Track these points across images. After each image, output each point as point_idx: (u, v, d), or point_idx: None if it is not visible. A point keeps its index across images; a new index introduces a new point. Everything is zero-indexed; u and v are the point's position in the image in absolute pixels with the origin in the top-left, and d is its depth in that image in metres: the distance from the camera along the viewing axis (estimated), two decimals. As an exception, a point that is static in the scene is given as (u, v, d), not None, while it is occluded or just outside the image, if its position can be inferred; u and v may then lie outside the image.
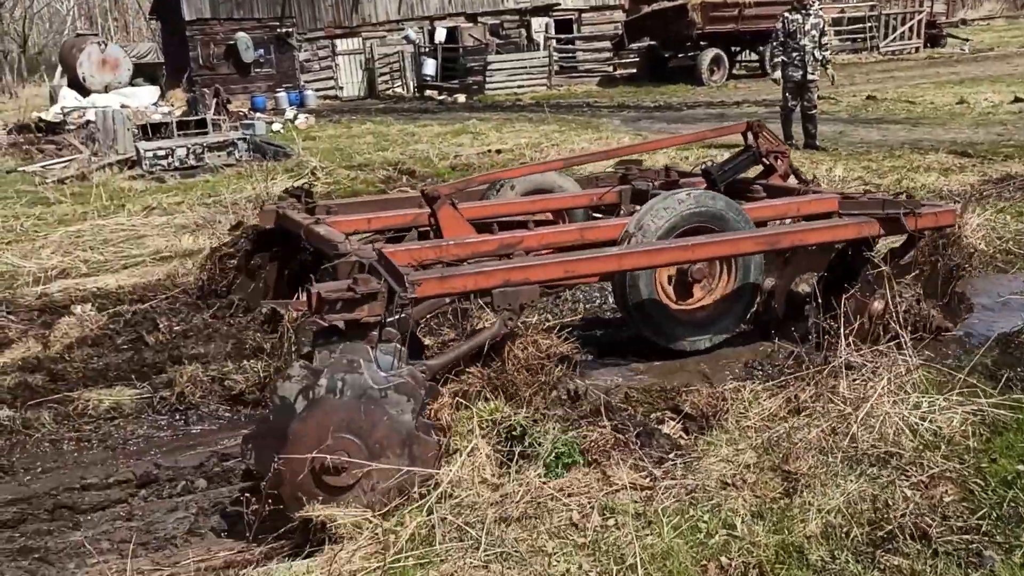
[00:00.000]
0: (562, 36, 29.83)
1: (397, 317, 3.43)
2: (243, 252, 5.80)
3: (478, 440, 3.47)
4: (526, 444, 3.47)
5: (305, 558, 3.07)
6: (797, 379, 4.08)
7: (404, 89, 28.63)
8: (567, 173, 6.61)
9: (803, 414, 3.84)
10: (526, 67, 27.27)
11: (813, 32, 11.34)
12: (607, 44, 28.85)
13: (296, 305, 3.97)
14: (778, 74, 11.56)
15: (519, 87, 26.39)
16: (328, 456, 3.17)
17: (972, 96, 17.91)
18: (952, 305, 5.00)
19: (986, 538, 3.03)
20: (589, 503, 3.21)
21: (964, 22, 42.27)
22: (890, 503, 3.19)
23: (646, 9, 25.95)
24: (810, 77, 11.45)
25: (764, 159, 6.22)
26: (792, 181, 6.24)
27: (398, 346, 3.41)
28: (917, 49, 31.52)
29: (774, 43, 11.64)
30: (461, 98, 25.11)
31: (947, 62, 26.91)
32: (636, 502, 3.24)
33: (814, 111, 11.87)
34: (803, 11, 11.35)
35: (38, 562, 3.25)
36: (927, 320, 4.84)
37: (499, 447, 3.50)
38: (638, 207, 5.84)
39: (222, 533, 3.44)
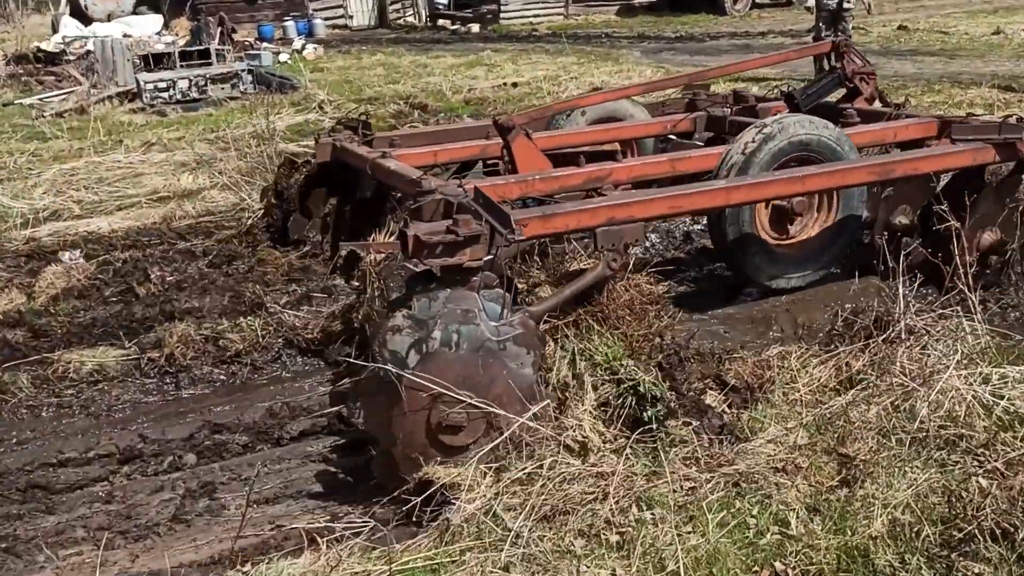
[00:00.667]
0: (580, -37, 28.72)
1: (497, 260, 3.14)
2: (298, 188, 5.43)
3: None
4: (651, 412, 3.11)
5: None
6: (851, 346, 3.66)
7: (416, 18, 27.71)
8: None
9: (859, 387, 3.43)
10: (543, -5, 26.33)
11: None
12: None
13: (378, 247, 3.72)
14: (811, 1, 10.86)
15: (535, 16, 25.46)
16: (448, 412, 2.97)
17: (1008, 26, 17.11)
18: None
19: (1078, 541, 2.64)
20: (626, 494, 2.83)
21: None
22: (964, 496, 2.80)
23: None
24: (846, 5, 10.77)
25: (849, 81, 5.84)
26: (877, 104, 5.85)
27: (503, 292, 3.12)
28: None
29: None
30: (475, 28, 24.26)
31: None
32: (678, 492, 2.86)
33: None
34: None
35: (3, 553, 2.91)
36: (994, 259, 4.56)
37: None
38: (711, 133, 5.62)
39: (208, 521, 3.09)
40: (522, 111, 5.21)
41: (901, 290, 3.74)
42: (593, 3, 27.40)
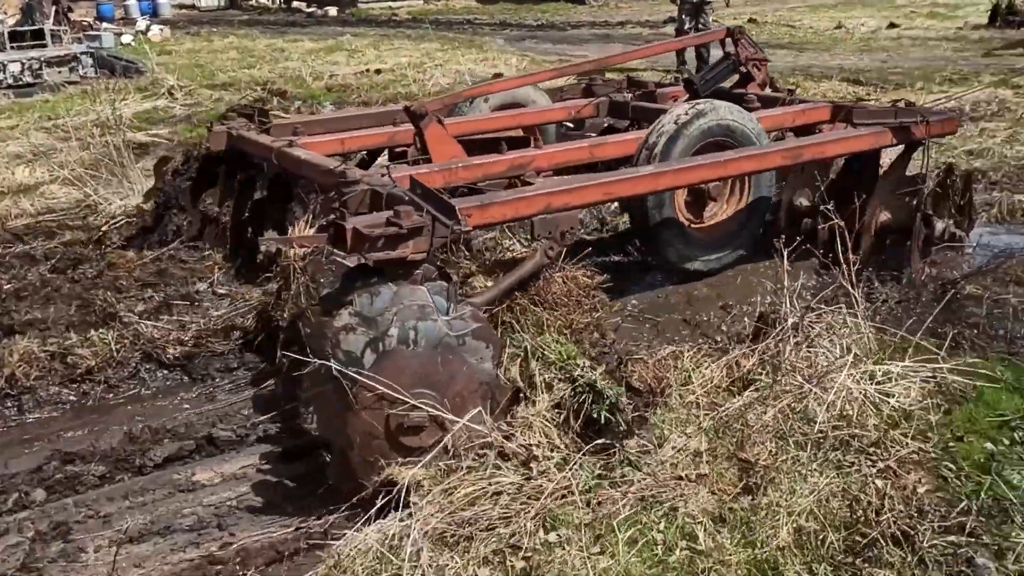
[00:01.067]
0: (438, -53, 28.39)
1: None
2: (191, 178, 5.14)
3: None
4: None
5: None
6: (741, 345, 3.64)
7: None
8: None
9: (753, 388, 3.41)
10: (401, -21, 25.88)
11: None
12: (485, -43, 27.61)
13: (302, 241, 3.53)
14: None
15: (395, 1, 25.03)
16: (408, 414, 2.85)
17: (848, 20, 18.01)
18: (964, 214, 4.94)
19: (973, 539, 2.68)
20: (536, 514, 2.67)
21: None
22: (863, 498, 2.81)
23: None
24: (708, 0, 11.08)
25: (743, 67, 5.96)
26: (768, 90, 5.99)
27: (447, 285, 3.01)
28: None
29: None
30: (332, 11, 23.61)
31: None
32: (583, 509, 2.73)
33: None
34: None
35: None
36: (941, 232, 4.82)
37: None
38: (613, 120, 5.81)
39: (64, 569, 2.74)
40: (433, 98, 5.16)
41: (786, 285, 3.74)
42: (453, -11, 27.15)
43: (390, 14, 22.73)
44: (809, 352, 3.52)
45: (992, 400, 3.44)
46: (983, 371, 3.58)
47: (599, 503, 2.75)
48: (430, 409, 2.89)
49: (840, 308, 3.73)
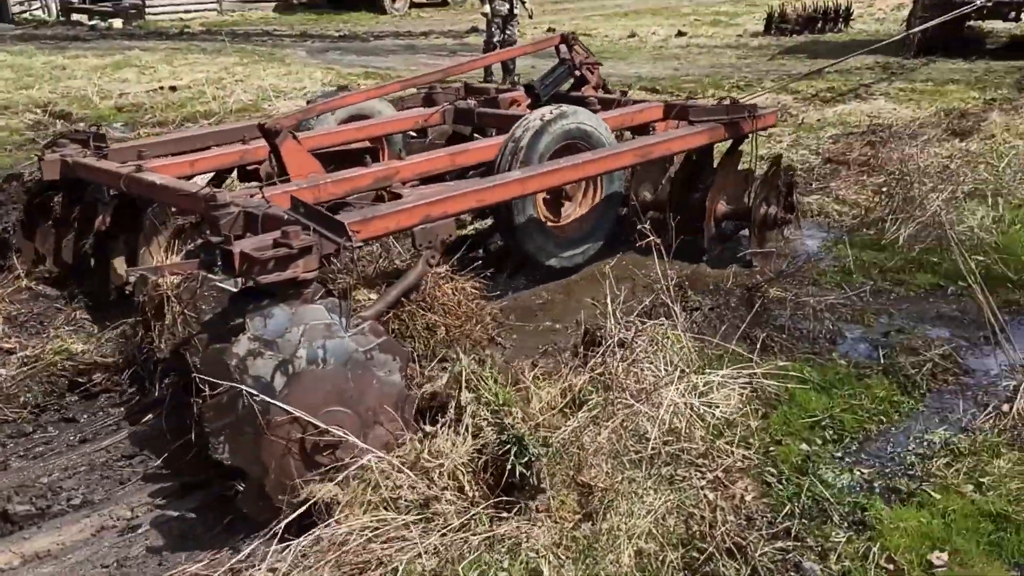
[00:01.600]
0: (229, -44, 27.34)
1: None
2: (22, 212, 4.85)
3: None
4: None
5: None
6: (571, 362, 3.68)
7: (45, 12, 24.79)
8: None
9: (586, 408, 3.44)
10: (192, -11, 24.74)
11: None
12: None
13: (174, 268, 3.56)
14: (487, 7, 11.17)
15: (186, 12, 23.89)
16: (320, 434, 2.84)
17: (641, 29, 18.83)
18: (790, 201, 5.41)
19: (798, 543, 2.82)
20: (373, 558, 2.56)
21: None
22: (696, 513, 2.89)
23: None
24: (515, 11, 11.27)
25: (578, 71, 6.26)
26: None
27: (339, 301, 3.03)
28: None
29: None
30: (117, 24, 22.19)
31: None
32: (427, 550, 2.64)
33: (514, 45, 11.68)
34: None
35: None
36: (773, 217, 5.26)
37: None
38: (458, 126, 6.04)
39: None
40: (286, 115, 5.01)
41: (610, 304, 3.81)
42: (249, -1, 26.28)
43: (182, 26, 21.63)
44: (636, 368, 3.61)
45: (803, 401, 3.65)
46: (793, 373, 3.80)
47: (446, 548, 2.68)
48: (343, 429, 2.88)
49: (661, 321, 3.85)
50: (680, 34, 17.80)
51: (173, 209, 4.48)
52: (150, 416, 3.68)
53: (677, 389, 3.39)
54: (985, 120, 8.12)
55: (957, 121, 8.17)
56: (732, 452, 3.22)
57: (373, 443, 2.94)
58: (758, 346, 4.01)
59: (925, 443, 3.35)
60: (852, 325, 4.37)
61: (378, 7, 23.97)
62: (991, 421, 3.42)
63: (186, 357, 3.36)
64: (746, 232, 5.38)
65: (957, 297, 4.61)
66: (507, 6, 11.21)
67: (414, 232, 3.64)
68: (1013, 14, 12.69)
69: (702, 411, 3.38)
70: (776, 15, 16.39)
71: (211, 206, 3.51)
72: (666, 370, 3.55)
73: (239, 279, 3.07)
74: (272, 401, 2.76)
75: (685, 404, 3.35)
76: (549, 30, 18.86)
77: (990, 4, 11.83)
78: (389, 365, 3.03)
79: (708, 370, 3.63)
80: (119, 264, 4.65)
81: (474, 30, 19.06)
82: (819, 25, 16.17)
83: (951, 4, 11.35)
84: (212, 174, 5.11)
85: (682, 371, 3.53)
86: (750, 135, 5.22)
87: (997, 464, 3.15)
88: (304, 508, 2.76)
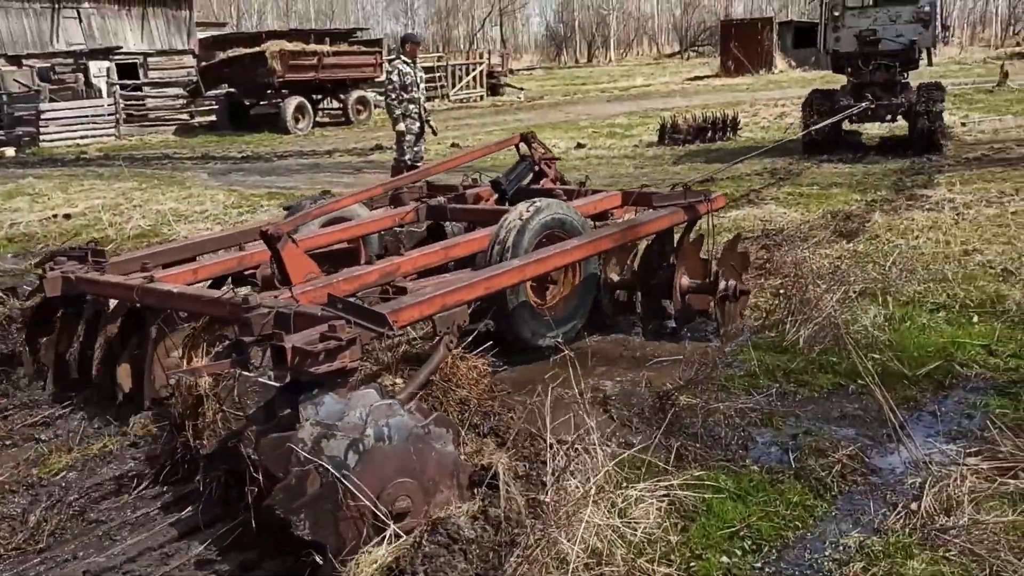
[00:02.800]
0: (128, 82, 27.35)
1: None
2: (25, 328, 5.20)
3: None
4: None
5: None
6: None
7: (-68, 141, 24.18)
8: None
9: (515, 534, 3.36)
10: (88, 116, 24.54)
11: (422, 85, 11.35)
12: (181, 91, 27.02)
13: (210, 369, 3.88)
14: (402, 126, 11.28)
15: (83, 138, 23.63)
16: (390, 503, 3.17)
17: (544, 141, 19.38)
18: (743, 275, 5.98)
19: (728, 662, 2.77)
20: None
21: (512, 72, 46.65)
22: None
23: (222, 55, 24.74)
24: (426, 129, 11.48)
25: (538, 166, 6.84)
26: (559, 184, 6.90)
27: (380, 385, 3.39)
28: (481, 97, 33.96)
29: (391, 96, 11.29)
30: (9, 152, 21.78)
31: (509, 110, 29.27)
32: None
33: (420, 161, 11.83)
34: (413, 63, 11.26)
35: None
36: (734, 288, 5.73)
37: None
38: (430, 221, 6.54)
39: None
40: (284, 221, 5.34)
41: (548, 421, 3.76)
42: (147, 123, 26.21)
43: (78, 152, 21.34)
44: (560, 487, 3.56)
45: (720, 511, 3.65)
46: (708, 483, 3.82)
47: None
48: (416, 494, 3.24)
49: (582, 436, 3.83)
50: (579, 146, 18.41)
51: (183, 315, 4.69)
52: (189, 508, 3.83)
53: (597, 509, 3.36)
54: (869, 221, 8.57)
55: (843, 223, 8.59)
56: (654, 571, 3.19)
57: (436, 508, 3.29)
58: (672, 456, 4.03)
59: (841, 547, 3.37)
60: (762, 429, 4.43)
61: (281, 127, 24.18)
62: (901, 520, 3.48)
63: (233, 449, 3.61)
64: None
65: (858, 396, 4.75)
66: (418, 124, 11.40)
67: (434, 319, 3.95)
68: (889, 116, 13.94)
69: (623, 530, 3.35)
70: (668, 126, 17.15)
71: (243, 308, 3.88)
72: (585, 489, 3.52)
73: (271, 374, 3.49)
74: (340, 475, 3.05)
75: (605, 524, 3.32)
76: (453, 145, 19.31)
77: (872, 107, 13.38)
78: (444, 437, 3.37)
79: (627, 484, 3.62)
80: (124, 371, 4.85)
81: (378, 147, 19.36)
82: (709, 134, 16.96)
83: (839, 108, 13.13)
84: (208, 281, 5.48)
85: (600, 488, 3.50)
86: (704, 216, 5.82)
87: (911, 565, 3.19)
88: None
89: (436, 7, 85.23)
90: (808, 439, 4.26)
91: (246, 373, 3.71)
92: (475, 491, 3.43)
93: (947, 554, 3.22)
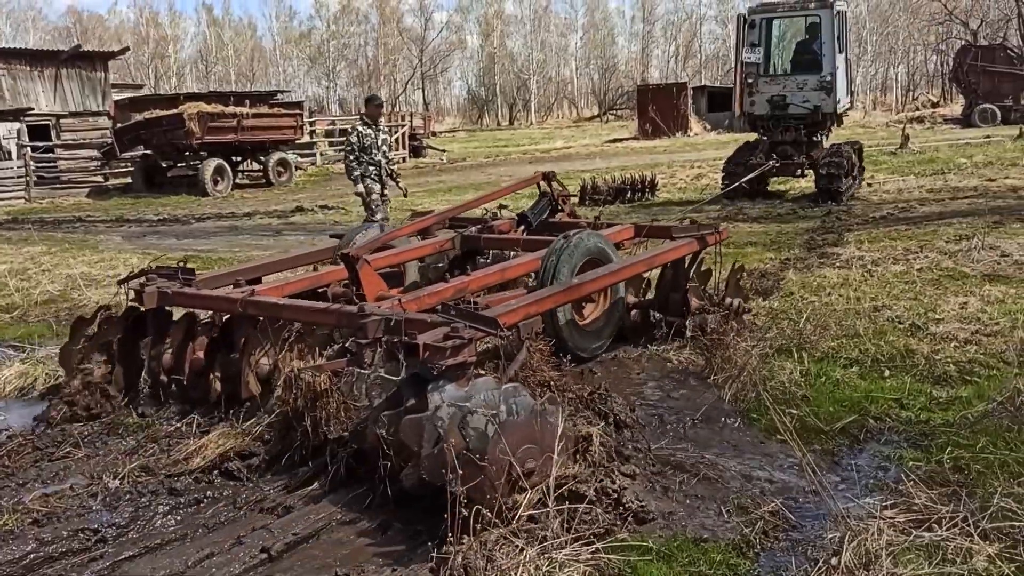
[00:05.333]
0: (39, 144, 26.67)
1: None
2: (117, 341, 5.83)
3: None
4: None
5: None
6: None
7: None
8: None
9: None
10: (-4, 178, 23.77)
11: (384, 148, 11.29)
12: (95, 153, 26.45)
13: (329, 366, 4.73)
14: (361, 188, 11.14)
15: (-10, 200, 22.84)
16: (522, 464, 3.82)
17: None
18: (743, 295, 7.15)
19: None
20: None
21: (434, 134, 47.09)
22: None
23: (138, 117, 24.33)
24: (385, 192, 11.32)
25: (555, 201, 8.06)
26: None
27: (494, 375, 4.18)
28: (404, 159, 34.03)
29: (350, 158, 11.18)
30: (-89, 215, 20.89)
31: (432, 171, 29.41)
32: None
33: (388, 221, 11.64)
34: (375, 126, 11.19)
35: None
36: (737, 307, 6.79)
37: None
38: (466, 248, 7.58)
39: None
40: (361, 246, 6.41)
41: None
42: (59, 185, 25.55)
43: (-15, 215, 20.63)
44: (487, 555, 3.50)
45: (645, 573, 3.62)
46: (633, 543, 3.79)
47: None
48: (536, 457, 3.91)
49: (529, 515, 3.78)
50: (502, 207, 18.55)
51: (278, 324, 5.52)
52: (315, 485, 4.50)
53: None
54: (783, 279, 8.80)
55: (759, 280, 8.80)
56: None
57: (554, 469, 3.92)
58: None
59: (766, 607, 3.38)
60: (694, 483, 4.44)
61: (200, 190, 23.78)
62: (823, 576, 3.50)
63: (364, 433, 4.31)
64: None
65: (778, 453, 4.81)
66: (378, 186, 11.26)
67: (519, 326, 4.67)
68: (799, 171, 15.77)
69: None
70: (589, 187, 17.43)
71: (359, 316, 4.72)
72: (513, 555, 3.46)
73: (382, 371, 4.40)
74: (482, 444, 3.73)
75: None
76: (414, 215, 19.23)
77: (779, 165, 15.42)
78: (555, 414, 4.07)
79: (554, 549, 3.57)
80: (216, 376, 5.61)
81: (299, 209, 19.19)
82: (628, 195, 17.29)
83: (751, 164, 15.34)
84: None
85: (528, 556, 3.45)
86: (713, 246, 6.91)
87: (835, 623, 3.20)
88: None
89: (358, 70, 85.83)
90: (732, 496, 4.28)
91: (362, 370, 4.52)
92: (577, 455, 4.18)
93: (868, 609, 3.24)
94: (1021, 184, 15.26)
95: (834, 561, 3.58)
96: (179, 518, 4.33)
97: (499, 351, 4.53)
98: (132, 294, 5.87)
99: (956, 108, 41.20)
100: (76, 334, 5.78)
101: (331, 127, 36.36)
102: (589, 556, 3.60)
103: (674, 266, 6.75)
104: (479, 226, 7.71)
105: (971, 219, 11.80)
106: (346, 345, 5.16)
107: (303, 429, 4.60)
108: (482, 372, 4.30)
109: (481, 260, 7.63)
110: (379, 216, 11.16)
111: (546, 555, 3.51)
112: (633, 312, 6.86)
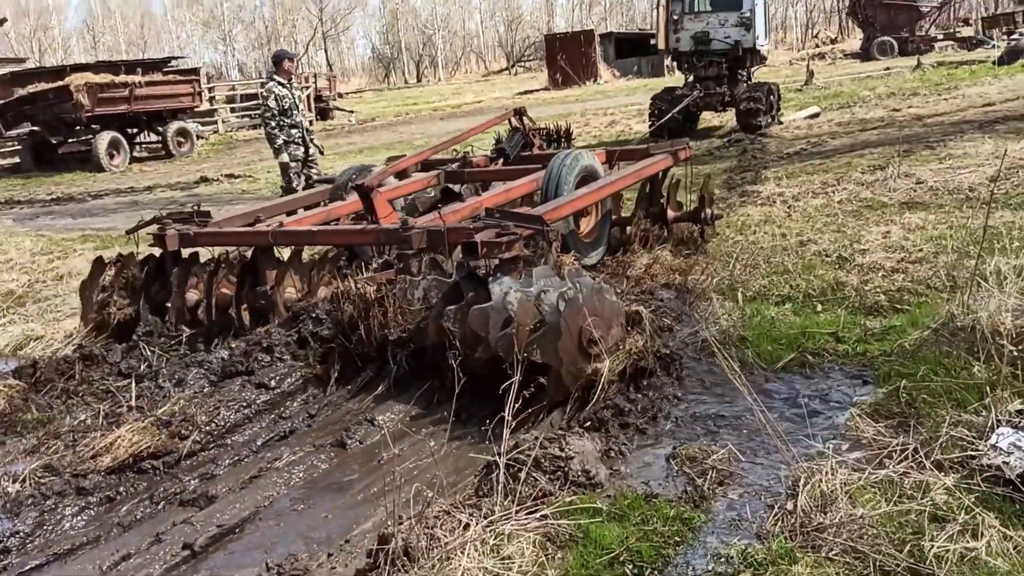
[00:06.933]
0: (-86, 125, 24.91)
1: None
2: (143, 281, 6.17)
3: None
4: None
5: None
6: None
7: None
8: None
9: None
10: None
11: (302, 106, 10.51)
12: (-23, 132, 24.85)
13: (380, 277, 5.21)
14: (285, 156, 10.27)
15: None
16: (592, 332, 4.37)
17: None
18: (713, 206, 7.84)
19: None
20: None
21: (341, 95, 45.83)
22: None
23: (21, 92, 22.87)
24: (310, 154, 10.58)
25: (527, 136, 8.78)
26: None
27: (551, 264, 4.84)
28: (312, 122, 33.01)
29: (271, 124, 10.30)
30: None
31: (342, 133, 28.64)
32: None
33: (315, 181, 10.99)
34: (289, 84, 10.33)
35: None
36: (711, 216, 7.64)
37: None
38: (448, 184, 8.16)
39: None
40: (372, 176, 6.83)
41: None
42: (-59, 169, 23.96)
43: None
44: (429, 534, 3.26)
45: (598, 536, 3.42)
46: (583, 505, 3.59)
47: None
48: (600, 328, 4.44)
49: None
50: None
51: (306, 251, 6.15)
52: (381, 385, 4.95)
53: (470, 553, 3.07)
54: (706, 219, 8.68)
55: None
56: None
57: (612, 338, 4.55)
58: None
59: (723, 559, 3.22)
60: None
61: (94, 165, 22.56)
62: (780, 522, 3.36)
63: (426, 331, 4.73)
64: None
65: (724, 398, 4.67)
66: (302, 150, 10.48)
67: (549, 227, 5.14)
68: (721, 105, 16.36)
69: (497, 571, 3.07)
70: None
71: (402, 230, 5.27)
72: (458, 532, 3.23)
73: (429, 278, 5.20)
74: (556, 318, 4.29)
75: (478, 568, 3.04)
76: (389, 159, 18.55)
77: (701, 96, 16.02)
78: (611, 292, 4.71)
79: (500, 519, 3.34)
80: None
81: (204, 180, 18.39)
82: (545, 145, 17.04)
83: (677, 97, 16.00)
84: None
85: (468, 526, 3.22)
86: (684, 161, 7.79)
87: (795, 570, 3.06)
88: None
89: (256, 32, 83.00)
90: (681, 447, 4.12)
91: (410, 276, 5.07)
92: (629, 328, 4.75)
93: (830, 555, 3.11)
94: (925, 112, 15.53)
95: (790, 505, 3.45)
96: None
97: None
98: (149, 241, 6.20)
99: (855, 43, 42.03)
100: (96, 273, 6.22)
101: (232, 92, 35.01)
102: (538, 524, 3.39)
103: (651, 181, 7.46)
104: (459, 161, 8.40)
105: (882, 149, 11.91)
106: (387, 259, 5.56)
107: (358, 337, 4.99)
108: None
109: (460, 193, 8.07)
110: (297, 184, 10.50)
111: (492, 528, 3.28)
112: (614, 228, 7.55)
